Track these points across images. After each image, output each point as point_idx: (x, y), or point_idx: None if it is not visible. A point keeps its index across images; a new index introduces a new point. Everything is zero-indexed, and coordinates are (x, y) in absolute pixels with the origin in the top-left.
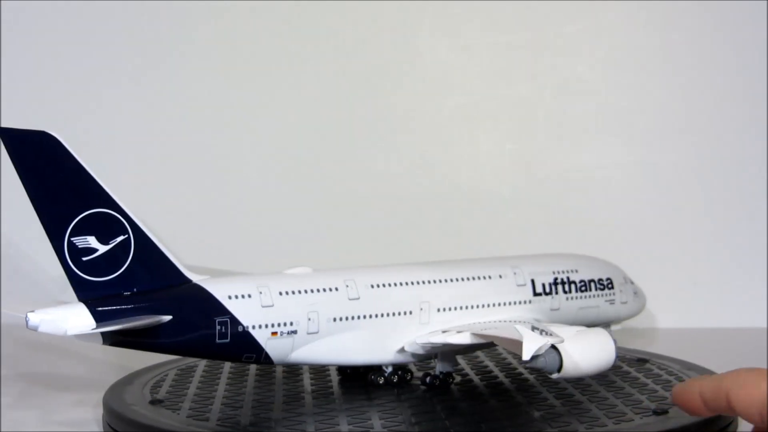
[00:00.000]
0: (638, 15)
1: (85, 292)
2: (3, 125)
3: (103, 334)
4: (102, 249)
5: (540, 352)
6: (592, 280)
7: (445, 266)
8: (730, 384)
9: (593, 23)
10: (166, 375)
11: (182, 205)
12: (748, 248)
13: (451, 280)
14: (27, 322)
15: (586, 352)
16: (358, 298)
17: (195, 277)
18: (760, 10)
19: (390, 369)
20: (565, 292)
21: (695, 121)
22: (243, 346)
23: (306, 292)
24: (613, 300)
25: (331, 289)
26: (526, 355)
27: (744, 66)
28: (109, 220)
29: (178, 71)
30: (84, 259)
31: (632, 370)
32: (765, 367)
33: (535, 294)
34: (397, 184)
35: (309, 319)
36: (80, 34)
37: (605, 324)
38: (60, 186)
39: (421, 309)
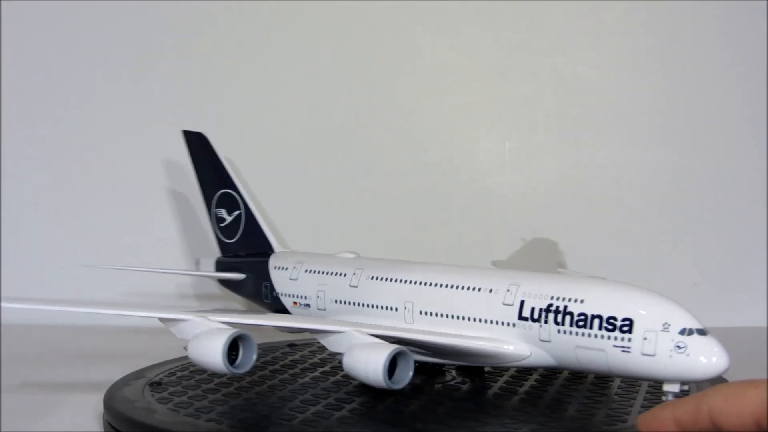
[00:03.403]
0: (638, 15)
1: (223, 249)
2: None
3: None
4: (228, 219)
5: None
6: (598, 316)
7: (448, 270)
8: (710, 402)
9: (593, 23)
10: (166, 375)
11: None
12: (748, 248)
13: (441, 286)
14: (199, 262)
15: (198, 349)
16: (357, 287)
17: (278, 249)
18: (760, 11)
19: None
20: (556, 323)
21: (695, 121)
22: (280, 308)
23: (321, 273)
24: (628, 348)
25: (340, 275)
26: None
27: (743, 66)
28: (232, 198)
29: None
30: (221, 225)
31: None
32: (765, 366)
33: (521, 318)
34: (397, 183)
35: (318, 297)
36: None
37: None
38: (209, 170)
39: (405, 308)
